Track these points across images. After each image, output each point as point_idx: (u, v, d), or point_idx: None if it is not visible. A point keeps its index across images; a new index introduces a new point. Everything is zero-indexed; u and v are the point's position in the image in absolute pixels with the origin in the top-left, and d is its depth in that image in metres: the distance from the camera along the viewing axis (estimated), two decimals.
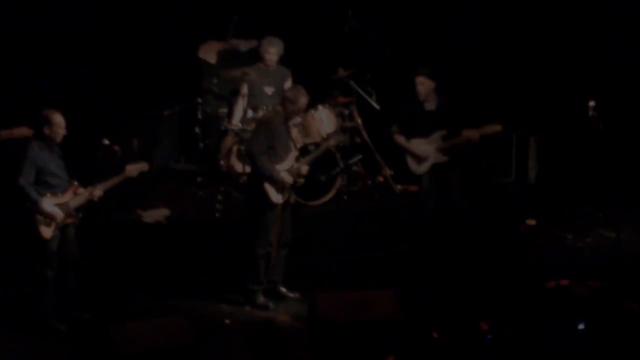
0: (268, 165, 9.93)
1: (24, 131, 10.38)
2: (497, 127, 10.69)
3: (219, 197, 11.56)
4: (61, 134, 9.36)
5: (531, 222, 11.74)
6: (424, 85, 10.76)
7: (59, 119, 9.34)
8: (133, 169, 9.64)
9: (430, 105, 10.82)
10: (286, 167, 10.04)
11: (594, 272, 9.98)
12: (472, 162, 11.22)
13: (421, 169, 10.89)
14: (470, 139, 10.67)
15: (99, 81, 12.30)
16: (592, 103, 10.49)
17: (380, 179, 12.29)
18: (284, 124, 10.11)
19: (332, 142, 10.85)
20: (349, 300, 8.47)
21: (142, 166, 9.70)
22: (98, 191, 9.48)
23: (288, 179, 10.00)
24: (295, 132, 11.27)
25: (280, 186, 9.99)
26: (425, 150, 10.83)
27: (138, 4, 12.57)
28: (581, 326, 7.98)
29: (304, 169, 10.19)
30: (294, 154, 10.18)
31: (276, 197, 10.00)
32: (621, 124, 12.01)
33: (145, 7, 12.58)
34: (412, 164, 10.93)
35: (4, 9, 11.84)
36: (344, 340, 8.22)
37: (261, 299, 10.12)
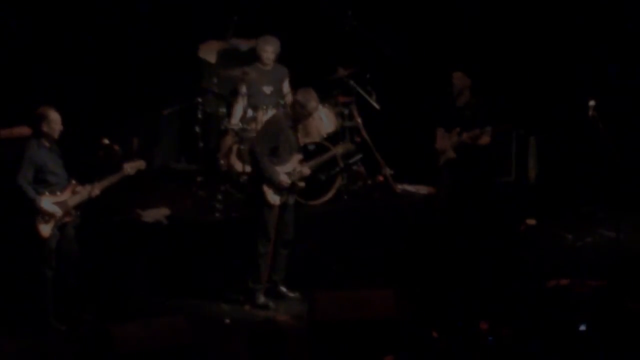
0: (268, 167, 9.92)
1: (23, 130, 10.40)
2: (487, 139, 10.88)
3: (219, 197, 11.56)
4: (58, 130, 9.41)
5: (531, 222, 11.74)
6: (460, 80, 10.92)
7: (54, 115, 9.39)
8: (130, 167, 9.67)
9: (461, 102, 10.93)
10: (288, 170, 10.04)
11: (594, 272, 9.98)
12: (477, 158, 11.22)
13: (440, 162, 11.05)
14: (466, 141, 10.81)
15: (99, 81, 12.30)
16: (592, 103, 10.49)
17: (380, 178, 12.28)
18: (291, 127, 10.10)
19: (340, 150, 10.87)
20: (349, 299, 8.47)
21: (140, 164, 9.72)
22: (96, 190, 9.50)
23: (286, 181, 9.99)
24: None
25: (278, 188, 9.98)
26: (443, 144, 10.96)
27: (138, 4, 12.56)
28: (582, 327, 7.97)
29: (306, 171, 10.18)
30: (297, 157, 10.18)
31: (273, 198, 10.00)
32: (621, 124, 12.00)
33: (145, 7, 12.58)
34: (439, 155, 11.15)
35: (3, 10, 11.85)
36: (343, 339, 8.22)
37: (261, 298, 10.12)
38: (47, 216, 9.29)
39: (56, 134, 9.42)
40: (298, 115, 10.10)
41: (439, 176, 11.25)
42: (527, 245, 11.40)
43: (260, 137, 10.22)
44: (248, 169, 11.06)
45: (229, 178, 11.79)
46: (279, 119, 10.30)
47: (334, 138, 11.69)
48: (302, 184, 10.20)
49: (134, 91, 12.57)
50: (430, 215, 11.33)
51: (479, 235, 11.12)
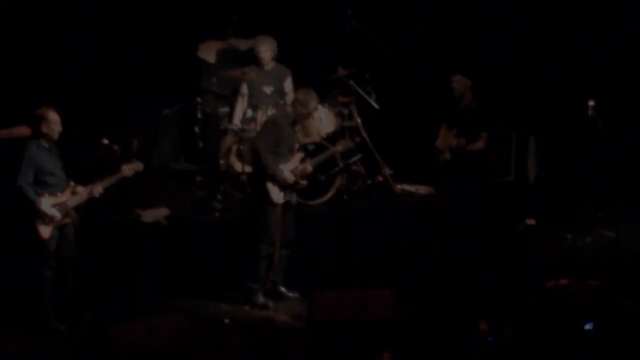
0: (272, 164, 9.94)
1: (22, 131, 10.39)
2: (481, 145, 10.90)
3: (219, 197, 11.56)
4: (57, 131, 9.42)
5: (531, 222, 11.74)
6: (459, 83, 10.91)
7: (54, 116, 9.40)
8: (128, 169, 9.68)
9: (463, 105, 10.94)
10: (290, 168, 10.06)
11: (594, 272, 9.98)
12: (471, 161, 11.21)
13: (439, 161, 11.02)
14: (460, 146, 10.83)
15: (99, 81, 12.29)
16: (592, 103, 10.49)
17: (380, 178, 12.28)
18: (291, 125, 10.12)
19: (339, 148, 10.85)
20: (348, 300, 8.48)
21: (137, 166, 9.74)
22: (98, 188, 9.50)
23: (290, 178, 10.01)
24: None
25: (281, 185, 9.98)
26: (444, 143, 10.96)
27: (138, 3, 12.56)
28: (588, 326, 7.96)
29: (309, 169, 10.19)
30: (299, 155, 10.20)
31: (277, 196, 10.00)
32: (621, 124, 12.00)
33: (145, 7, 12.58)
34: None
35: (3, 9, 11.85)
36: (342, 339, 8.22)
37: (261, 298, 10.12)
38: (47, 218, 9.30)
39: (56, 135, 9.42)
40: (298, 115, 10.12)
41: (438, 175, 11.22)
42: (527, 245, 11.39)
43: (262, 135, 10.23)
44: (248, 168, 11.07)
45: (229, 178, 11.80)
46: (277, 117, 10.33)
47: (333, 138, 11.68)
48: (304, 182, 10.21)
49: (134, 91, 12.57)
50: (429, 215, 11.32)
51: (478, 236, 11.12)
